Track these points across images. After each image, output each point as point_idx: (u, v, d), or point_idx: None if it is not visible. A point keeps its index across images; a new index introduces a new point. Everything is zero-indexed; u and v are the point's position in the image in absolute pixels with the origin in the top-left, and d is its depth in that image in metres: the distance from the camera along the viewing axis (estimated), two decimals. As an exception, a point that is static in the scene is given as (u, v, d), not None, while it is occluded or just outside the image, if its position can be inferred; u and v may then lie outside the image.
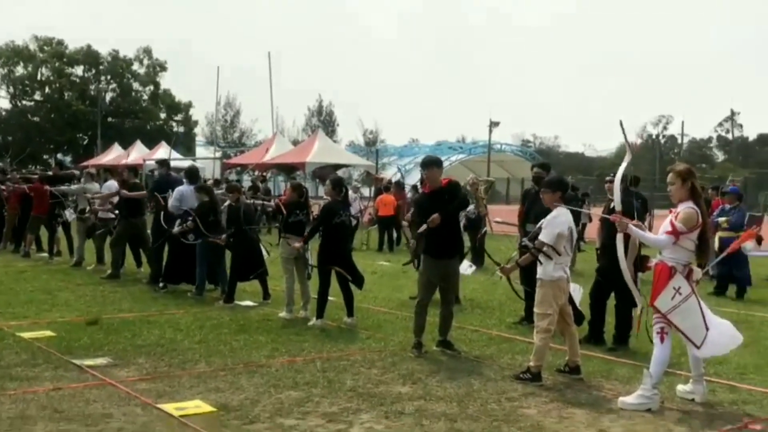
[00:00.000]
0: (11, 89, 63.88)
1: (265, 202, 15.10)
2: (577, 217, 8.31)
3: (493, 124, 57.00)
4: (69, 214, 15.60)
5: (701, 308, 6.30)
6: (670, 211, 6.48)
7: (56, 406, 5.91)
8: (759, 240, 14.19)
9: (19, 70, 63.77)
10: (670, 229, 6.21)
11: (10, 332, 8.56)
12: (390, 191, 21.19)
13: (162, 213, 12.29)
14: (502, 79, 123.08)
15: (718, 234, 13.48)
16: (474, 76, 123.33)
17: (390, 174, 38.06)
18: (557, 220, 7.08)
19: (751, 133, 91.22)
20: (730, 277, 12.90)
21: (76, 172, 17.26)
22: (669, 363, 6.43)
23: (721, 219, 13.57)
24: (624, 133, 7.19)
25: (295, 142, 43.94)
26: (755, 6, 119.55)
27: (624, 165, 7.29)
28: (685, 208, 6.26)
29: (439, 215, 7.69)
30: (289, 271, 10.06)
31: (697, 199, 6.34)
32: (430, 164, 8.18)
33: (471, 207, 14.50)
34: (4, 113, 63.94)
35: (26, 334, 8.40)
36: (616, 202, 6.76)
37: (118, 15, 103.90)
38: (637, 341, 8.49)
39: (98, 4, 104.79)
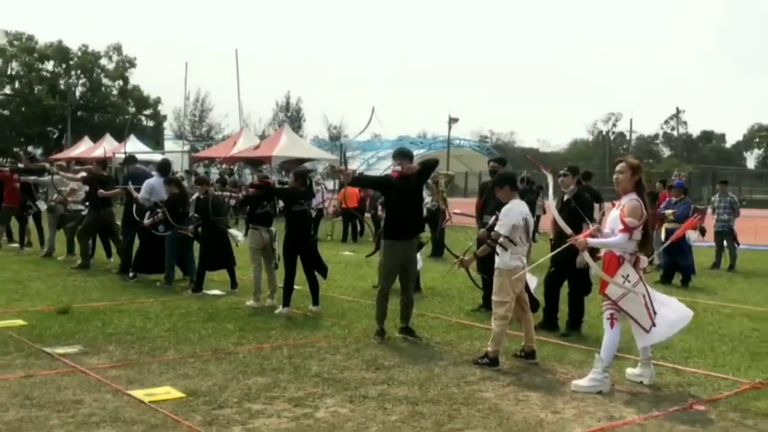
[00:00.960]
0: (-19, 84, 62.59)
1: (233, 194, 15.00)
2: (532, 208, 8.38)
3: (452, 121, 57.12)
4: (40, 205, 15.39)
5: (648, 295, 6.39)
6: (613, 204, 6.53)
7: (28, 393, 5.82)
8: (702, 231, 14.51)
9: (-11, 65, 62.48)
10: (622, 227, 6.24)
11: (-19, 321, 8.41)
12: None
13: (134, 205, 12.15)
14: (461, 77, 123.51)
15: (665, 225, 13.73)
16: (434, 74, 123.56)
17: (354, 167, 38.03)
18: (512, 212, 7.12)
19: (695, 130, 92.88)
20: (675, 266, 13.10)
21: (47, 165, 16.96)
22: (619, 348, 6.50)
23: (668, 211, 13.79)
24: (533, 161, 7.26)
25: (262, 137, 43.64)
26: (697, 11, 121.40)
27: (550, 188, 7.38)
28: (630, 200, 6.32)
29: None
30: (256, 261, 10.02)
31: (641, 192, 6.41)
32: (402, 156, 8.34)
33: (429, 199, 14.62)
34: (-27, 107, 62.65)
35: (-3, 323, 8.27)
36: (562, 226, 6.75)
37: (88, 11, 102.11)
38: (589, 327, 8.63)
39: (69, 1, 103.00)
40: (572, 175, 8.90)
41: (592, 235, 6.48)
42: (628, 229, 6.21)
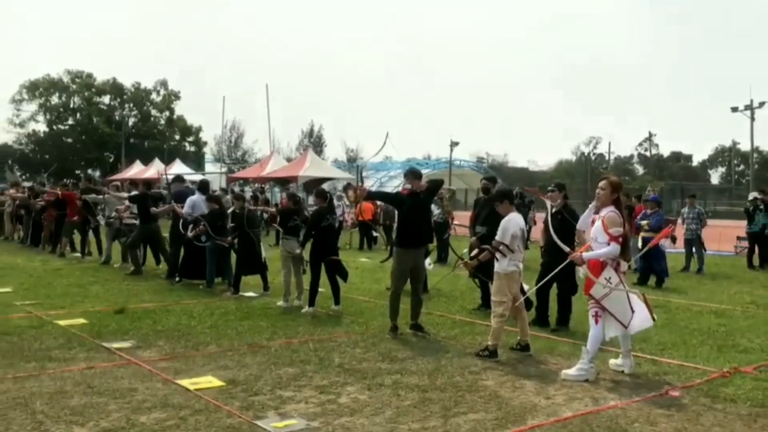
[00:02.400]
0: (48, 116, 63.12)
1: (266, 209, 15.04)
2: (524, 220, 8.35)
3: (454, 144, 57.27)
4: (100, 220, 15.52)
5: (628, 295, 6.36)
6: (593, 221, 6.50)
7: (89, 382, 5.84)
8: (674, 239, 14.45)
9: (55, 99, 63.06)
10: (608, 238, 6.21)
11: (48, 320, 8.44)
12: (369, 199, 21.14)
13: (179, 219, 12.19)
14: (461, 107, 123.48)
15: (641, 234, 13.66)
16: (438, 104, 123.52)
17: (369, 185, 38.03)
18: (510, 223, 7.10)
19: (665, 151, 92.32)
20: (650, 269, 13.00)
21: (103, 189, 17.12)
22: (602, 341, 6.45)
23: (643, 222, 13.74)
24: (536, 191, 7.26)
25: (289, 159, 43.76)
26: (668, 42, 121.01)
27: (549, 211, 7.37)
28: (608, 212, 6.29)
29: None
30: (287, 267, 10.00)
31: (618, 206, 6.37)
32: (412, 176, 8.36)
33: (437, 212, 14.60)
34: (42, 135, 63.17)
35: (62, 322, 8.29)
36: (560, 245, 6.75)
37: (139, 52, 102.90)
38: (576, 323, 8.57)
39: (123, 42, 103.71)
40: (559, 191, 8.89)
41: (587, 250, 6.47)
42: (615, 239, 6.18)
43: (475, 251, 7.82)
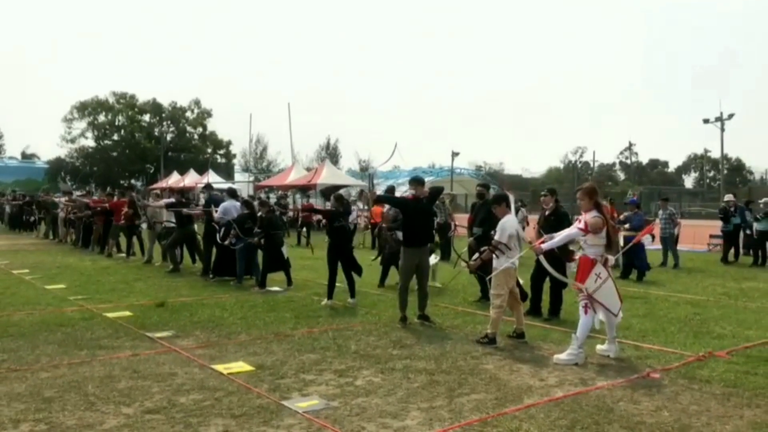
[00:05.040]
0: (95, 132, 63.51)
1: (282, 213, 15.13)
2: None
3: (455, 154, 57.20)
4: (143, 225, 15.62)
5: (616, 287, 6.35)
6: (579, 220, 6.51)
7: (135, 367, 5.87)
8: (652, 237, 14.37)
9: (102, 118, 63.38)
10: (582, 226, 6.29)
11: (98, 313, 8.48)
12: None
13: (213, 222, 12.22)
14: (461, 120, 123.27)
15: (622, 233, 13.59)
16: (440, 118, 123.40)
17: (379, 192, 37.89)
18: (507, 224, 7.08)
19: (644, 159, 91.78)
20: (631, 265, 12.93)
21: (144, 202, 17.16)
22: (591, 329, 6.42)
23: (624, 223, 13.69)
24: (500, 185, 7.31)
25: (308, 169, 43.82)
26: (645, 61, 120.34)
27: (512, 203, 7.43)
28: (592, 216, 6.28)
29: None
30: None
31: (599, 209, 6.37)
32: (416, 182, 8.33)
33: (440, 215, 14.58)
34: (90, 150, 63.57)
35: (110, 314, 8.34)
36: (521, 234, 6.89)
37: (175, 74, 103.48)
38: (566, 313, 8.53)
39: (162, 65, 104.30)
40: (550, 195, 8.86)
41: (544, 242, 6.57)
42: (585, 229, 6.24)
43: (476, 255, 7.79)
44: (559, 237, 6.52)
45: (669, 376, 5.75)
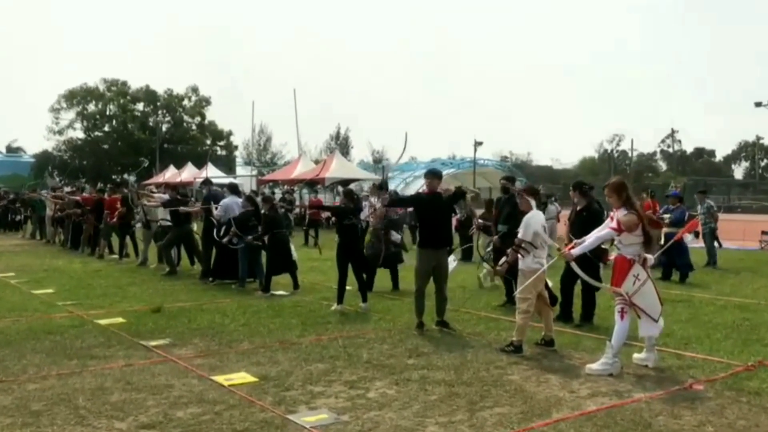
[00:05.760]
0: (85, 123, 64.14)
1: (297, 208, 15.22)
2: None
3: (477, 144, 56.89)
4: (138, 225, 15.80)
5: (656, 289, 6.34)
6: (611, 218, 6.49)
7: (128, 378, 5.93)
8: (696, 234, 14.29)
9: (91, 107, 64.04)
10: (615, 225, 6.27)
11: (89, 320, 8.59)
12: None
13: (212, 220, 12.31)
14: (485, 106, 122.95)
15: (663, 230, 13.53)
16: (462, 105, 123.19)
17: (393, 186, 38.02)
18: (532, 220, 7.07)
19: (688, 147, 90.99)
20: (672, 265, 12.86)
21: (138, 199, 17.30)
22: (627, 336, 6.40)
23: (665, 216, 13.62)
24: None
25: (317, 161, 43.96)
26: (690, 38, 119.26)
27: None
28: (625, 213, 6.26)
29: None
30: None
31: (632, 204, 6.35)
32: (432, 175, 8.30)
33: (460, 213, 14.59)
34: (79, 143, 64.19)
35: (102, 321, 8.43)
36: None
37: (170, 59, 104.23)
38: (599, 319, 8.50)
39: (155, 49, 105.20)
40: (574, 190, 8.82)
41: (575, 246, 6.56)
42: (618, 228, 6.22)
43: (503, 259, 7.78)
44: (590, 239, 6.49)
45: (714, 388, 5.72)
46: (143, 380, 5.89)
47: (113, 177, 56.56)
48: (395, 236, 10.38)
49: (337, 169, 31.31)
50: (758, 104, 43.71)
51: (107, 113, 63.90)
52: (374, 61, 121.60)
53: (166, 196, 14.14)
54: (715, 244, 15.64)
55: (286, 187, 32.78)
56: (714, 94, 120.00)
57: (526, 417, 5.00)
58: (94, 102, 63.81)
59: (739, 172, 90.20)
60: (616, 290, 6.30)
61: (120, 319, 8.56)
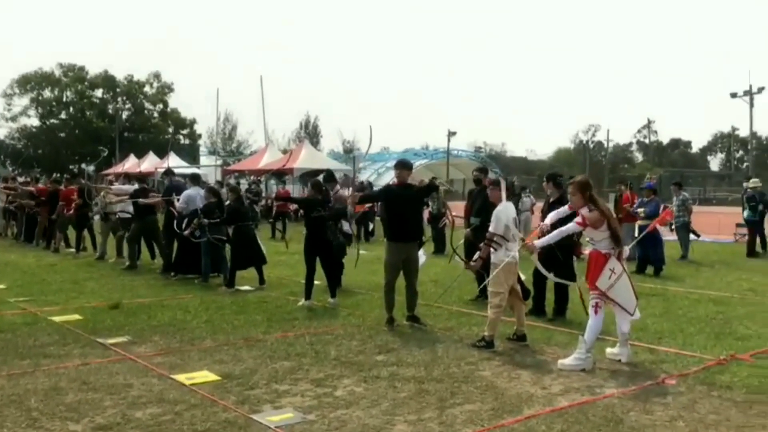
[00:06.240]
0: (40, 110, 62.99)
1: (264, 199, 15.11)
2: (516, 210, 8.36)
3: (451, 134, 57.21)
4: (96, 217, 15.59)
5: (631, 282, 6.44)
6: (577, 213, 6.57)
7: (84, 378, 5.86)
8: (670, 226, 14.58)
9: (47, 93, 62.92)
10: (580, 220, 6.40)
11: (43, 317, 8.46)
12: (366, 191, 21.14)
13: (176, 221, 12.17)
14: (458, 95, 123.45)
15: (638, 222, 13.75)
16: (435, 93, 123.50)
17: (365, 176, 38.04)
18: (502, 214, 7.12)
19: (664, 138, 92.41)
20: (647, 258, 13.06)
21: (100, 186, 17.05)
22: (600, 331, 6.49)
23: (639, 210, 13.82)
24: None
25: (285, 151, 43.73)
26: (666, 29, 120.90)
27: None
28: (590, 212, 6.37)
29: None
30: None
31: (594, 203, 6.45)
32: (401, 166, 8.31)
33: (432, 204, 14.62)
34: (34, 130, 63.02)
35: (57, 318, 8.31)
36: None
37: (130, 43, 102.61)
38: (572, 313, 8.61)
39: (114, 33, 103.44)
40: (547, 181, 8.95)
41: (543, 235, 6.70)
42: (583, 223, 6.35)
43: (477, 254, 7.81)
44: (556, 232, 6.61)
45: (686, 383, 5.83)
46: (100, 380, 5.82)
47: (70, 167, 55.67)
48: (345, 226, 10.20)
49: (306, 159, 31.12)
50: (733, 95, 44.62)
51: (64, 100, 62.82)
52: (345, 47, 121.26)
53: (131, 187, 13.95)
54: (691, 236, 15.89)
55: (252, 177, 32.58)
56: (690, 84, 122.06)
57: (497, 414, 5.05)
58: (49, 88, 62.68)
59: (715, 163, 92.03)
60: (587, 296, 6.43)
61: (76, 316, 8.45)
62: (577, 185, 6.54)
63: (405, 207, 8.04)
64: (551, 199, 8.73)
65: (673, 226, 15.28)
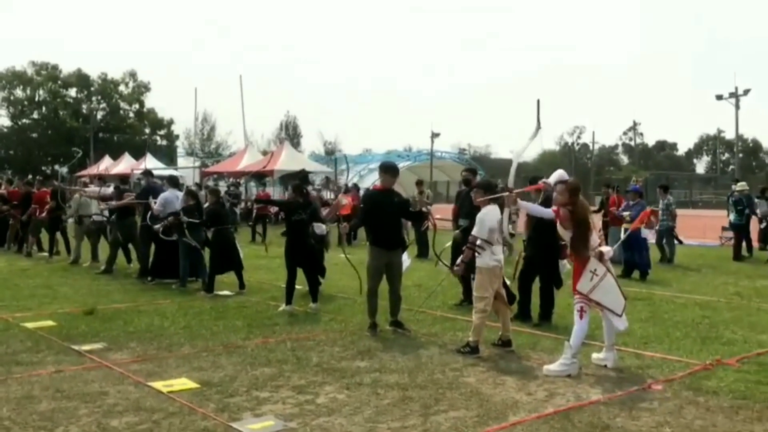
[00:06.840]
0: (11, 109, 62.39)
1: (243, 202, 15.09)
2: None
3: (435, 135, 57.33)
4: (70, 220, 15.46)
5: (617, 283, 6.50)
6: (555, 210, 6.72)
7: (58, 386, 5.81)
8: (651, 227, 14.75)
9: (18, 92, 62.34)
10: (555, 209, 6.65)
11: (15, 323, 8.38)
12: (348, 193, 21.14)
13: (149, 215, 12.10)
14: (442, 96, 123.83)
15: (624, 225, 13.87)
16: (417, 94, 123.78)
17: (348, 179, 37.96)
18: (487, 217, 7.14)
19: (650, 140, 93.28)
20: (633, 263, 13.18)
21: (73, 188, 16.90)
22: (586, 336, 6.54)
23: (625, 213, 13.94)
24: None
25: (265, 152, 43.61)
26: (651, 30, 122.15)
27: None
28: (564, 210, 6.53)
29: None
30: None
31: (574, 207, 6.56)
32: (384, 170, 8.24)
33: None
34: (5, 130, 62.36)
35: (30, 324, 8.24)
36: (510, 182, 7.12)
37: (105, 41, 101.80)
38: (558, 318, 8.66)
39: (89, 31, 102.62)
40: (530, 184, 8.97)
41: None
42: (556, 213, 6.60)
43: (459, 259, 7.82)
44: (534, 205, 7.12)
45: (672, 388, 5.89)
46: (75, 387, 5.77)
47: (43, 168, 55.21)
48: (320, 228, 10.00)
49: (287, 160, 31.03)
50: (719, 97, 45.11)
51: (36, 99, 62.24)
52: (325, 47, 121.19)
53: (108, 190, 13.84)
54: (675, 242, 16.08)
55: (231, 179, 32.46)
56: (676, 86, 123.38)
57: (482, 420, 5.07)
58: (21, 87, 62.06)
59: (701, 166, 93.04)
60: (575, 294, 6.49)
61: (49, 322, 8.38)
62: (568, 186, 6.68)
63: (384, 217, 7.98)
64: (537, 202, 8.78)
65: (656, 228, 15.44)
